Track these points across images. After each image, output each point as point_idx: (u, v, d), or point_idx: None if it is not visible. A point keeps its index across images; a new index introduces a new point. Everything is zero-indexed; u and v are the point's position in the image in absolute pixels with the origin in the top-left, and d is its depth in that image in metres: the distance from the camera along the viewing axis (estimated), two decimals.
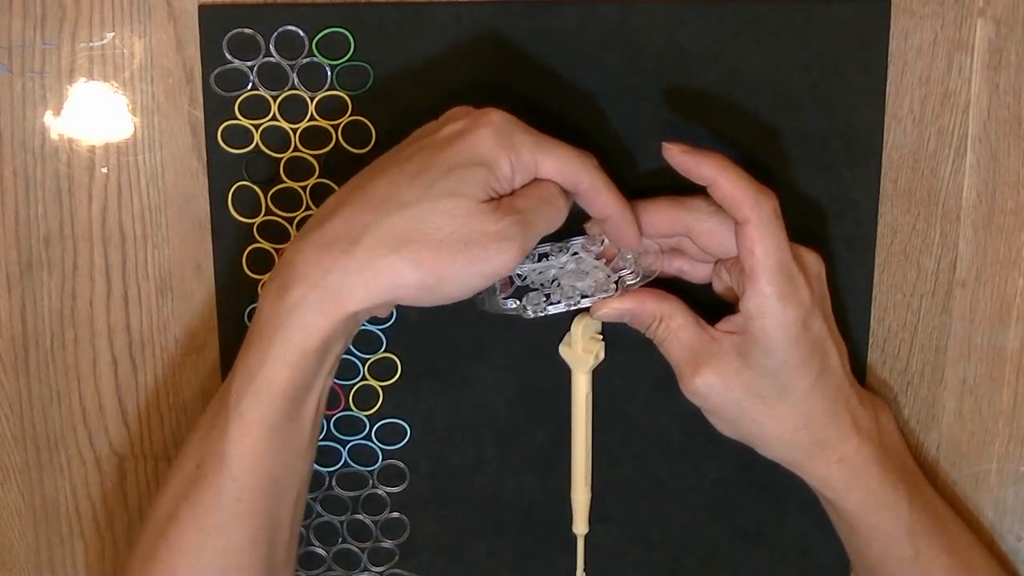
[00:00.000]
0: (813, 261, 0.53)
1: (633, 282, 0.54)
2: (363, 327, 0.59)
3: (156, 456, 0.62)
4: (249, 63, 0.57)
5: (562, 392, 0.59)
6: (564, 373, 0.59)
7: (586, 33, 0.56)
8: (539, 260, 0.55)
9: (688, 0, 0.56)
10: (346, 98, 0.57)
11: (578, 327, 0.57)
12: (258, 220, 0.58)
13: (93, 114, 0.58)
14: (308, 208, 0.58)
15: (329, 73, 0.57)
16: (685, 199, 0.53)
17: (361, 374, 0.60)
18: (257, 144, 0.58)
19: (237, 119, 0.57)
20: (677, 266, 0.56)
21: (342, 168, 0.55)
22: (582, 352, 0.58)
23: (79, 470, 0.62)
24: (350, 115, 0.57)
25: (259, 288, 0.58)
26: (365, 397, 0.60)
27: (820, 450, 0.54)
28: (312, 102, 0.57)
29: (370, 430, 0.61)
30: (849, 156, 0.57)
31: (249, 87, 0.57)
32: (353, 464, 0.61)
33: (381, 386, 0.60)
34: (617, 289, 0.54)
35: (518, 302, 0.55)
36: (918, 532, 0.55)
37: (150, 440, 0.62)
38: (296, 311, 0.48)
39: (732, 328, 0.53)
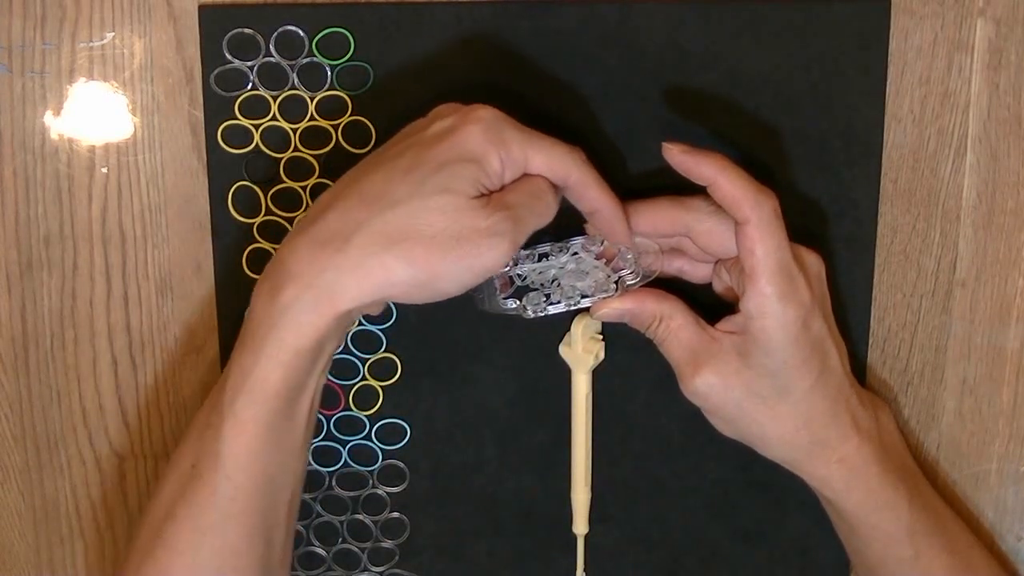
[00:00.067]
0: (813, 261, 0.53)
1: (633, 282, 0.54)
2: (363, 327, 0.59)
3: (156, 456, 0.62)
4: (249, 63, 0.57)
5: (562, 392, 0.59)
6: (564, 373, 0.59)
7: (586, 33, 0.56)
8: (539, 260, 0.55)
9: (688, 0, 0.56)
10: (346, 98, 0.57)
11: (578, 327, 0.57)
12: (258, 220, 0.58)
13: (93, 114, 0.58)
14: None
15: (329, 73, 0.57)
16: (685, 199, 0.53)
17: (361, 374, 0.60)
18: (257, 144, 0.58)
19: (237, 119, 0.57)
20: (677, 266, 0.56)
21: (342, 168, 0.55)
22: (582, 352, 0.58)
23: (79, 470, 0.62)
24: (350, 115, 0.57)
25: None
26: (365, 397, 0.60)
27: (820, 450, 0.54)
28: (312, 102, 0.57)
29: (370, 430, 0.61)
30: (849, 156, 0.57)
31: (249, 87, 0.57)
32: (353, 464, 0.61)
33: (381, 386, 0.60)
34: (617, 289, 0.54)
35: (518, 302, 0.55)
36: (918, 532, 0.55)
37: (150, 440, 0.62)
38: (289, 310, 0.48)
39: (732, 328, 0.53)
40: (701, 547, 0.62)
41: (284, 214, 0.58)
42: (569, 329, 0.58)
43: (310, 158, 0.58)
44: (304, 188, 0.58)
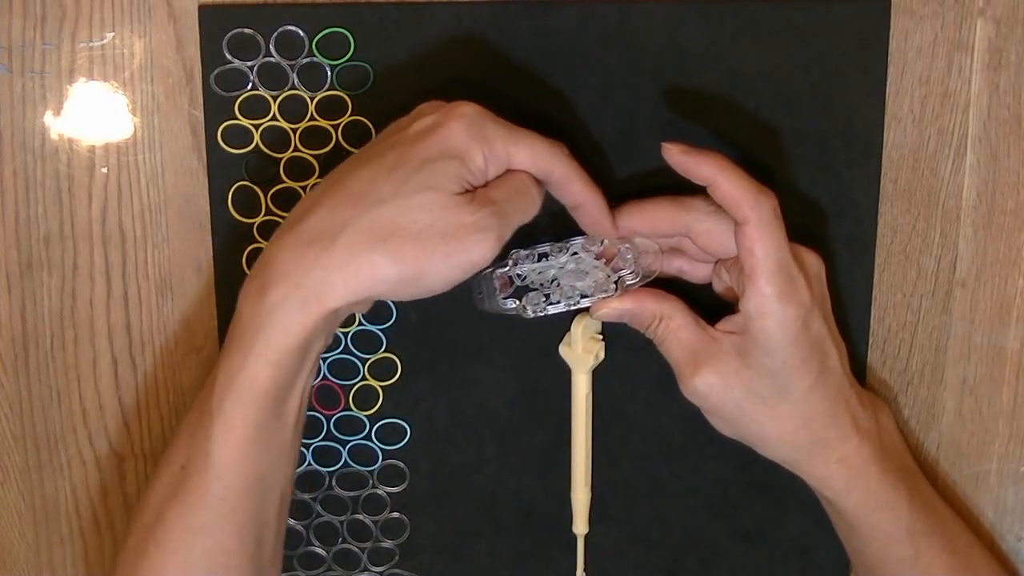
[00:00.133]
0: (813, 261, 0.53)
1: (633, 282, 0.54)
2: (363, 327, 0.59)
3: (156, 456, 0.62)
4: (249, 63, 0.57)
5: (562, 392, 0.59)
6: (564, 373, 0.59)
7: (586, 33, 0.56)
8: (539, 260, 0.55)
9: (688, 0, 0.56)
10: (346, 98, 0.57)
11: (578, 327, 0.57)
12: (258, 220, 0.58)
13: (93, 114, 0.58)
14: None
15: (329, 73, 0.57)
16: (685, 199, 0.53)
17: (361, 374, 0.60)
18: (257, 144, 0.58)
19: (237, 119, 0.57)
20: (677, 266, 0.56)
21: None
22: (582, 352, 0.58)
23: (79, 470, 0.62)
24: (350, 115, 0.57)
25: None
26: (365, 397, 0.60)
27: (820, 450, 0.54)
28: (312, 102, 0.57)
29: (370, 430, 0.61)
30: (849, 156, 0.57)
31: (249, 87, 0.57)
32: (353, 464, 0.61)
33: (381, 386, 0.60)
34: (617, 289, 0.54)
35: (518, 302, 0.55)
36: (918, 532, 0.55)
37: (150, 440, 0.62)
38: (277, 310, 0.48)
39: (732, 328, 0.53)
40: (701, 547, 0.62)
41: (284, 214, 0.58)
42: (569, 329, 0.58)
43: (310, 158, 0.58)
44: (304, 188, 0.58)
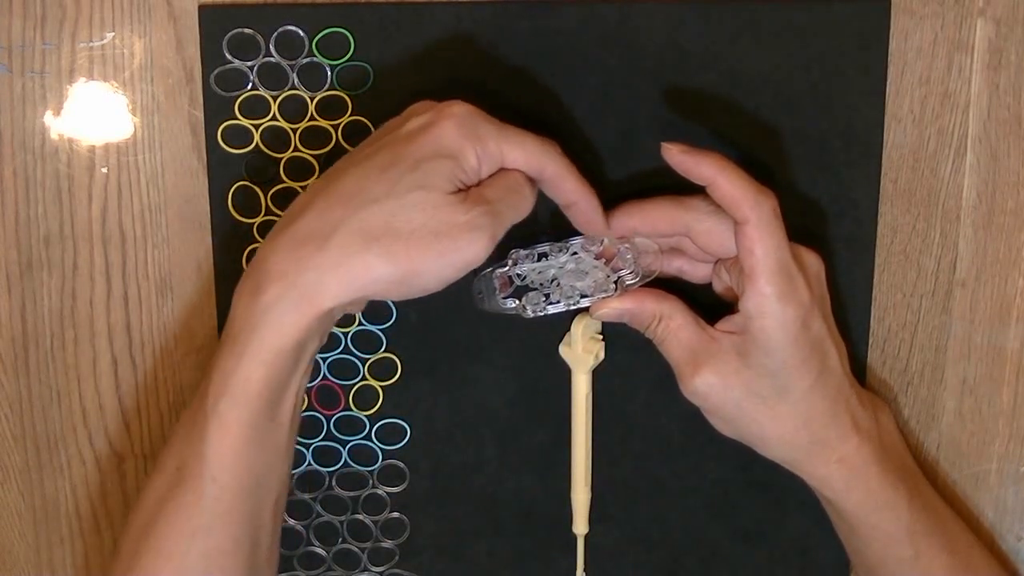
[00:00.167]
0: (813, 261, 0.53)
1: (632, 282, 0.54)
2: (363, 327, 0.59)
3: (156, 456, 0.62)
4: (249, 63, 0.57)
5: (562, 392, 0.59)
6: (564, 373, 0.59)
7: (586, 33, 0.56)
8: (538, 260, 0.55)
9: (688, 0, 0.56)
10: (346, 98, 0.57)
11: (578, 327, 0.57)
12: (258, 220, 0.58)
13: (93, 114, 0.58)
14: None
15: (329, 73, 0.57)
16: (684, 199, 0.53)
17: (361, 374, 0.60)
18: (257, 144, 0.58)
19: (237, 119, 0.57)
20: (677, 266, 0.56)
21: None
22: (582, 352, 0.58)
23: (79, 470, 0.62)
24: (350, 115, 0.57)
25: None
26: (365, 397, 0.60)
27: (820, 450, 0.54)
28: (312, 102, 0.57)
29: (370, 430, 0.61)
30: (849, 156, 0.57)
31: (249, 87, 0.57)
32: (353, 464, 0.61)
33: (381, 386, 0.60)
34: (616, 289, 0.54)
35: (517, 302, 0.55)
36: (918, 532, 0.55)
37: (150, 440, 0.62)
38: (271, 311, 0.48)
39: (732, 328, 0.53)
40: (701, 547, 0.62)
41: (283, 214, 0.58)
42: (569, 329, 0.58)
43: (310, 158, 0.58)
44: (304, 188, 0.58)
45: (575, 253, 0.55)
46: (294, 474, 0.61)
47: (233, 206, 0.58)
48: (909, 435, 0.61)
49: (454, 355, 0.60)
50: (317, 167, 0.58)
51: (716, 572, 0.62)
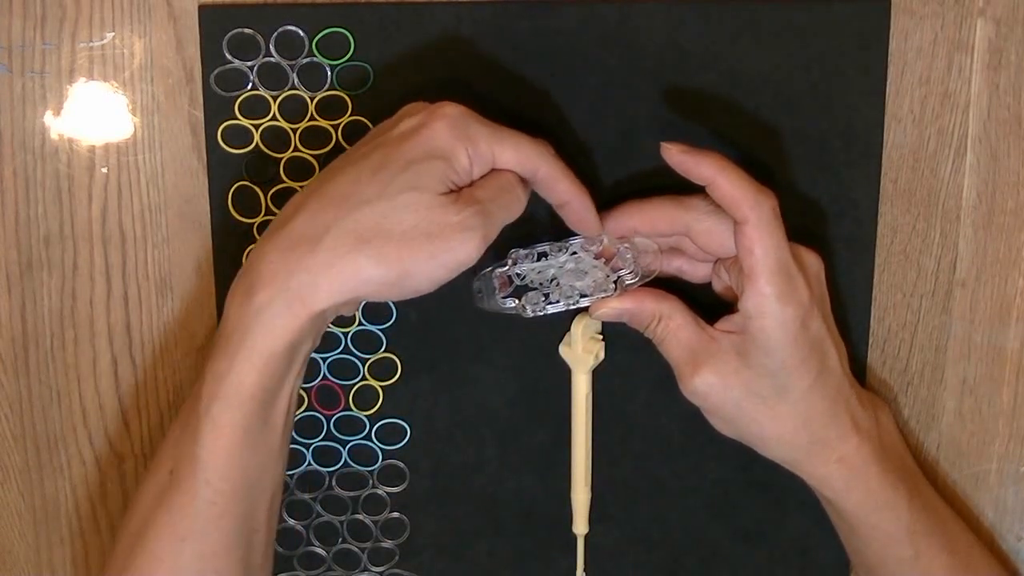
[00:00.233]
0: (812, 261, 0.53)
1: (632, 282, 0.54)
2: (363, 327, 0.59)
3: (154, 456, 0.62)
4: (249, 63, 0.57)
5: (562, 392, 0.59)
6: (564, 373, 0.59)
7: (586, 33, 0.56)
8: (538, 259, 0.55)
9: (688, 0, 0.56)
10: (346, 98, 0.57)
11: (578, 327, 0.57)
12: (258, 220, 0.58)
13: (93, 114, 0.58)
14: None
15: (329, 73, 0.57)
16: (684, 198, 0.53)
17: (361, 374, 0.60)
18: (257, 144, 0.58)
19: (237, 119, 0.57)
20: (676, 266, 0.56)
21: None
22: (582, 352, 0.58)
23: (79, 470, 0.62)
24: (350, 115, 0.57)
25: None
26: (365, 397, 0.60)
27: (819, 450, 0.54)
28: (312, 102, 0.57)
29: (370, 430, 0.61)
30: (849, 156, 0.57)
31: (249, 87, 0.57)
32: (353, 464, 0.61)
33: (381, 386, 0.60)
34: (616, 289, 0.54)
35: (517, 301, 0.55)
36: (918, 532, 0.55)
37: (150, 440, 0.62)
38: (263, 314, 0.48)
39: (731, 328, 0.53)
40: (701, 547, 0.62)
41: None
42: (569, 329, 0.58)
43: (310, 158, 0.58)
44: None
45: (575, 253, 0.55)
46: (294, 474, 0.61)
47: (233, 206, 0.58)
48: (909, 435, 0.61)
49: (454, 355, 0.60)
50: (317, 167, 0.58)
51: (716, 572, 0.62)
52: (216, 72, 0.57)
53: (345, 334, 0.60)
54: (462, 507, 0.62)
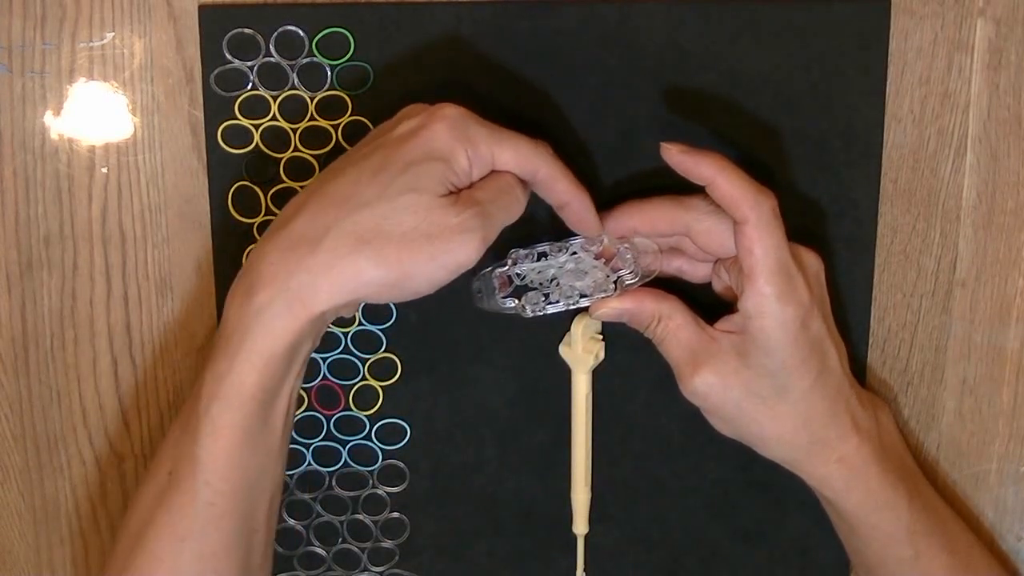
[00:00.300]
0: (812, 261, 0.53)
1: (632, 282, 0.54)
2: (363, 327, 0.59)
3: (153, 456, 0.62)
4: (249, 63, 0.57)
5: (562, 392, 0.59)
6: (564, 373, 0.59)
7: (586, 33, 0.56)
8: (538, 259, 0.55)
9: (688, 0, 0.56)
10: (346, 98, 0.57)
11: (578, 327, 0.57)
12: (258, 220, 0.58)
13: (93, 114, 0.58)
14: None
15: (329, 73, 0.57)
16: (684, 198, 0.53)
17: (361, 374, 0.60)
18: (257, 144, 0.58)
19: (237, 119, 0.57)
20: (676, 266, 0.56)
21: None
22: (582, 352, 0.58)
23: (79, 470, 0.62)
24: (350, 115, 0.57)
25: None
26: (365, 397, 0.60)
27: (819, 450, 0.54)
28: (312, 102, 0.57)
29: (370, 430, 0.61)
30: (849, 156, 0.57)
31: (249, 87, 0.57)
32: (353, 464, 0.61)
33: (381, 386, 0.60)
34: (616, 289, 0.54)
35: (517, 301, 0.55)
36: (918, 532, 0.55)
37: (150, 440, 0.62)
38: (263, 315, 0.48)
39: (731, 328, 0.53)
40: (701, 547, 0.62)
41: None
42: (569, 329, 0.58)
43: (310, 158, 0.58)
44: (304, 188, 0.58)
45: (575, 253, 0.55)
46: (294, 474, 0.61)
47: (233, 206, 0.58)
48: (909, 435, 0.61)
49: (454, 355, 0.60)
50: (317, 167, 0.58)
51: (716, 572, 0.62)
52: (216, 72, 0.57)
53: (345, 334, 0.60)
54: (462, 507, 0.62)
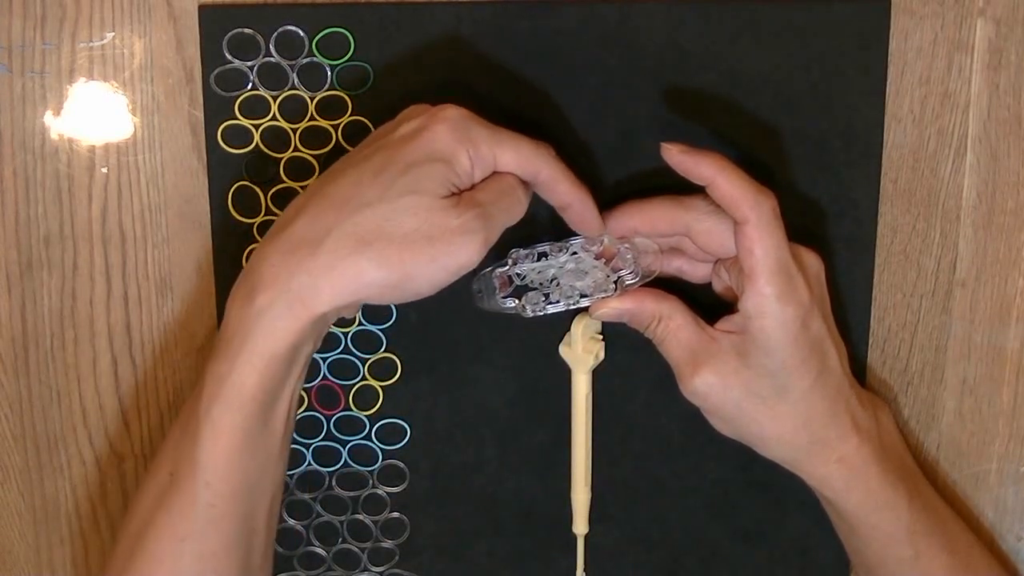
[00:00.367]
0: (812, 261, 0.53)
1: (632, 282, 0.54)
2: (363, 327, 0.59)
3: (154, 457, 0.62)
4: (249, 63, 0.57)
5: (562, 392, 0.59)
6: (564, 373, 0.59)
7: (586, 33, 0.56)
8: (538, 259, 0.55)
9: (688, 0, 0.56)
10: (346, 98, 0.57)
11: (578, 327, 0.57)
12: (258, 220, 0.58)
13: (93, 114, 0.58)
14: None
15: (329, 73, 0.57)
16: (684, 199, 0.53)
17: (361, 374, 0.60)
18: (257, 144, 0.58)
19: (237, 119, 0.57)
20: (676, 266, 0.56)
21: None
22: (582, 352, 0.58)
23: (79, 470, 0.62)
24: (350, 115, 0.57)
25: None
26: (365, 397, 0.60)
27: (819, 450, 0.54)
28: (312, 102, 0.57)
29: (370, 430, 0.61)
30: (849, 156, 0.57)
31: (249, 87, 0.57)
32: (353, 464, 0.61)
33: (381, 386, 0.60)
34: (616, 289, 0.54)
35: (517, 301, 0.55)
36: (918, 532, 0.55)
37: (150, 440, 0.62)
38: (263, 316, 0.48)
39: (731, 328, 0.53)
40: (701, 547, 0.62)
41: None
42: (569, 329, 0.58)
43: (310, 158, 0.58)
44: (304, 188, 0.58)
45: (575, 253, 0.55)
46: (294, 474, 0.61)
47: (233, 206, 0.58)
48: (909, 435, 0.61)
49: (454, 355, 0.60)
50: (317, 167, 0.58)
51: (716, 572, 0.62)
52: (216, 72, 0.57)
53: (345, 334, 0.60)
54: (462, 507, 0.62)
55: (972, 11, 0.56)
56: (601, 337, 0.59)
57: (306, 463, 0.61)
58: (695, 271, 0.56)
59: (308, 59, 0.57)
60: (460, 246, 0.48)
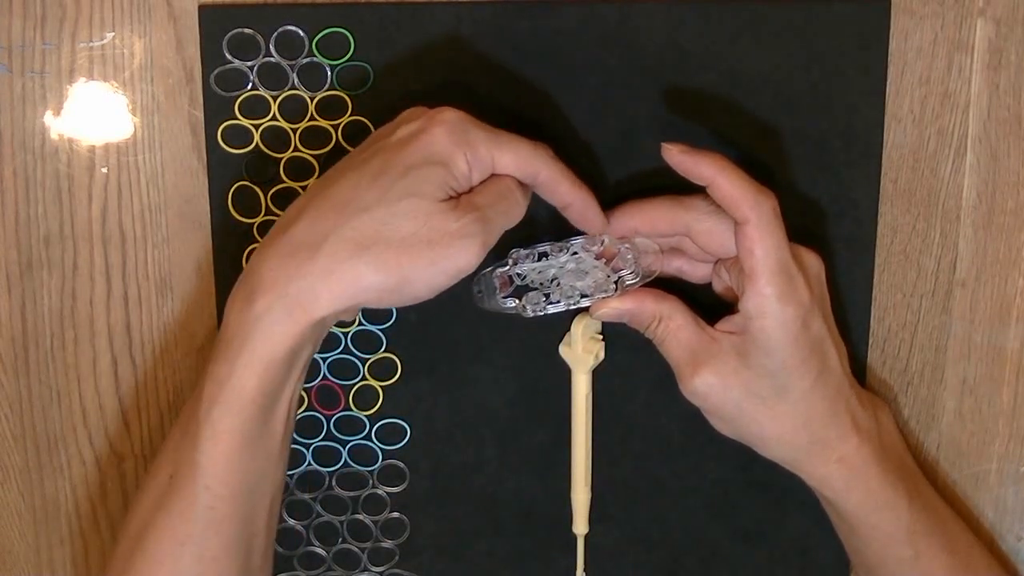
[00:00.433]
0: (813, 261, 0.53)
1: (633, 282, 0.54)
2: (363, 327, 0.59)
3: (154, 457, 0.62)
4: (249, 63, 0.57)
5: (562, 392, 0.59)
6: (564, 373, 0.59)
7: (586, 33, 0.56)
8: (539, 259, 0.55)
9: (688, 0, 0.56)
10: (346, 98, 0.57)
11: (578, 327, 0.57)
12: (258, 220, 0.58)
13: (93, 114, 0.58)
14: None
15: (329, 73, 0.57)
16: (684, 199, 0.53)
17: (361, 374, 0.60)
18: (257, 144, 0.58)
19: (237, 119, 0.57)
20: (677, 266, 0.56)
21: None
22: (582, 352, 0.58)
23: (79, 470, 0.62)
24: (350, 115, 0.57)
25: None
26: (365, 397, 0.60)
27: (819, 450, 0.54)
28: (312, 102, 0.57)
29: (370, 430, 0.61)
30: (849, 156, 0.57)
31: (249, 87, 0.57)
32: (353, 464, 0.61)
33: (381, 386, 0.60)
34: (617, 289, 0.54)
35: (517, 301, 0.55)
36: (918, 532, 0.55)
37: (150, 440, 0.62)
38: (263, 320, 0.48)
39: (731, 328, 0.53)
40: (701, 547, 0.62)
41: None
42: (569, 329, 0.58)
43: (310, 158, 0.58)
44: (304, 188, 0.58)
45: (575, 253, 0.55)
46: (294, 474, 0.61)
47: (233, 206, 0.58)
48: (909, 435, 0.61)
49: (454, 355, 0.60)
50: (317, 167, 0.58)
51: (716, 572, 0.62)
52: (216, 72, 0.57)
53: (345, 334, 0.60)
54: (462, 507, 0.62)
55: (972, 11, 0.56)
56: (601, 337, 0.59)
57: (306, 463, 0.61)
58: (695, 271, 0.56)
59: (308, 59, 0.57)
60: (459, 250, 0.48)
